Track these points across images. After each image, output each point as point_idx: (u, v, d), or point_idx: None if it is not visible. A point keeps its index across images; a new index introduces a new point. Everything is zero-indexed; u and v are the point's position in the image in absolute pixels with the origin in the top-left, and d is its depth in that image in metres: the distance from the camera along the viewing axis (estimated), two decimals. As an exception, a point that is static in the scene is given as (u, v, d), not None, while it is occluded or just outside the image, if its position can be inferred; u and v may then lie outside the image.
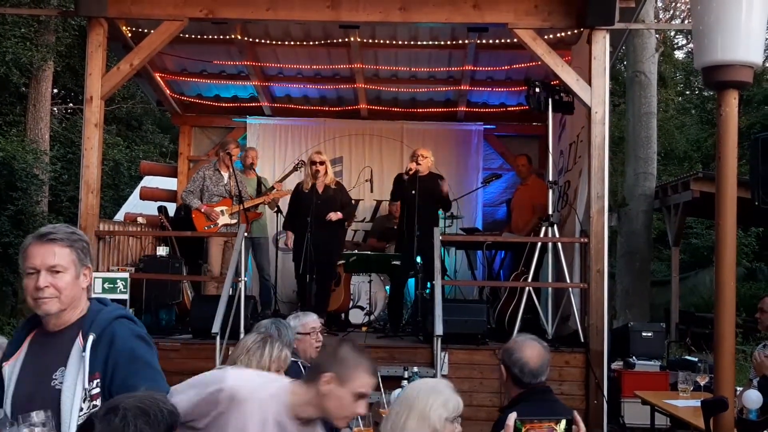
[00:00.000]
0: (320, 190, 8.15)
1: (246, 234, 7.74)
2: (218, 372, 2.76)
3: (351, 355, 2.68)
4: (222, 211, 8.52)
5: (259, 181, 9.31)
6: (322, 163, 8.18)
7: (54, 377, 2.56)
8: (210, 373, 2.77)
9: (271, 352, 3.66)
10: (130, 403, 1.93)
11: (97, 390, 2.53)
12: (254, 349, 3.66)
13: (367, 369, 2.69)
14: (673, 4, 22.81)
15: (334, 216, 8.10)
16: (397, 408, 2.85)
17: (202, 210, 8.44)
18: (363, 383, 2.66)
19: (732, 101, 3.56)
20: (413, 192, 8.07)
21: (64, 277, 2.60)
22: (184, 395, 2.64)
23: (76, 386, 2.52)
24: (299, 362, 4.58)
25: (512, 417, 2.43)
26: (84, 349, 2.56)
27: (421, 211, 8.02)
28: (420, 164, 8.23)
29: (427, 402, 2.80)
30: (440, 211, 8.70)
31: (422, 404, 2.80)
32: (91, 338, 2.57)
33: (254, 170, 9.39)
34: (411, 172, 8.18)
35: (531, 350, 3.55)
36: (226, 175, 8.64)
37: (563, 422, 2.34)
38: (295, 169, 9.42)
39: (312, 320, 5.00)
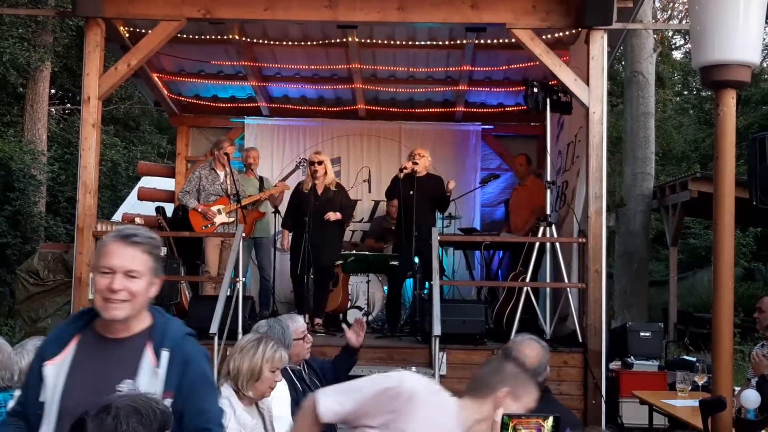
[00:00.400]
0: (319, 191, 8.13)
1: (245, 235, 7.74)
2: (394, 373, 2.68)
3: (521, 371, 2.68)
4: (219, 210, 8.52)
5: (261, 181, 9.34)
6: (320, 163, 8.14)
7: (119, 390, 2.42)
8: (381, 375, 2.68)
9: (264, 351, 3.66)
10: (123, 402, 1.92)
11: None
12: (248, 348, 3.66)
13: (535, 384, 2.70)
14: (671, 4, 22.84)
15: (333, 216, 8.07)
16: None
17: (199, 210, 8.43)
18: (533, 398, 2.66)
19: (730, 101, 3.56)
20: (411, 192, 8.06)
21: (139, 283, 2.49)
22: (346, 396, 2.59)
23: None
24: (287, 367, 4.54)
25: (499, 412, 2.43)
26: (158, 366, 2.46)
27: (419, 211, 8.00)
28: (417, 163, 8.20)
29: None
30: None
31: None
32: (165, 355, 2.47)
33: (254, 170, 9.40)
34: (406, 171, 8.16)
35: (529, 350, 3.56)
36: (222, 174, 8.64)
37: (550, 419, 2.34)
38: (296, 168, 9.43)
39: (302, 324, 4.98)
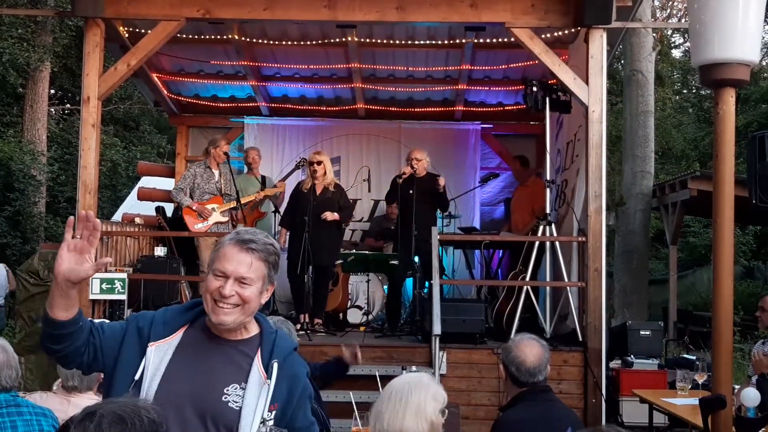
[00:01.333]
0: (318, 191, 8.11)
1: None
2: None
3: None
4: (213, 208, 8.53)
5: (263, 181, 9.35)
6: (319, 163, 8.11)
7: (226, 392, 2.40)
8: None
9: None
10: (108, 409, 1.89)
11: (272, 422, 2.40)
12: None
13: None
14: (670, 2, 22.81)
15: (330, 216, 8.04)
16: (388, 406, 2.84)
17: (194, 208, 8.45)
18: None
19: (729, 99, 3.56)
20: (411, 192, 8.07)
21: (251, 290, 2.43)
22: None
23: (255, 412, 2.37)
24: None
25: None
26: (269, 377, 2.43)
27: (419, 211, 8.02)
28: (415, 167, 8.24)
29: (419, 397, 2.80)
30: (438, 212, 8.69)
31: (416, 399, 2.80)
32: (275, 366, 2.44)
33: (255, 169, 9.42)
34: (405, 176, 8.19)
35: (528, 349, 3.55)
36: (216, 173, 8.66)
37: None
38: (297, 167, 9.43)
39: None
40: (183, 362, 2.44)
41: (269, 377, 2.43)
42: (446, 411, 2.88)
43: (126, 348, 2.45)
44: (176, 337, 2.48)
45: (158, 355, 2.43)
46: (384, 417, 2.82)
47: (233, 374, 2.44)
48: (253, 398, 2.40)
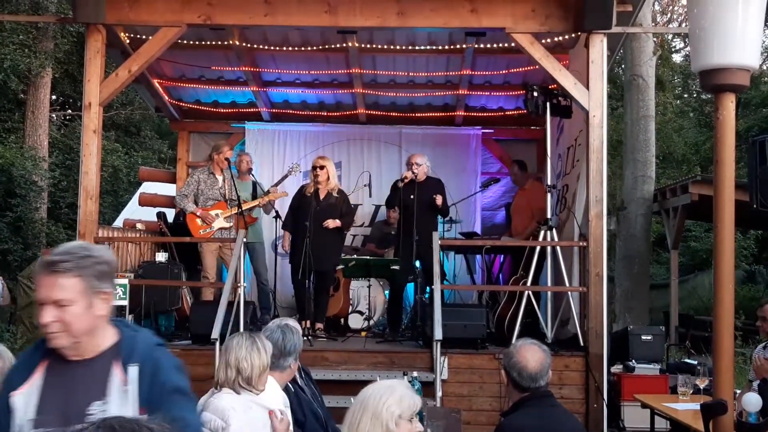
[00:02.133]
0: (321, 196, 8.12)
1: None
2: None
3: None
4: (217, 214, 8.54)
5: (255, 186, 9.32)
6: (321, 167, 8.11)
7: (89, 412, 2.34)
8: None
9: (259, 352, 3.69)
10: (107, 423, 1.83)
11: None
12: (257, 346, 3.70)
13: None
14: (671, 7, 22.85)
15: (332, 223, 8.07)
16: (352, 408, 2.81)
17: (198, 213, 8.46)
18: None
19: (729, 104, 3.57)
20: (411, 197, 8.08)
21: (72, 310, 2.36)
22: None
23: None
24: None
25: None
26: (126, 383, 2.39)
27: (420, 216, 8.03)
28: (416, 172, 8.25)
29: (379, 401, 2.73)
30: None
31: (375, 403, 2.74)
32: (133, 370, 2.40)
33: (251, 174, 9.40)
34: (406, 180, 8.19)
35: (530, 354, 3.56)
36: (220, 178, 8.67)
37: None
38: (289, 173, 9.44)
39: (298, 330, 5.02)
40: (49, 399, 2.41)
41: (128, 382, 2.39)
42: (416, 419, 2.82)
43: None
44: (36, 377, 2.44)
45: (23, 402, 2.40)
46: (346, 422, 2.79)
47: (95, 392, 2.39)
48: (116, 408, 2.35)
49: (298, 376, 4.83)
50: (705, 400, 4.57)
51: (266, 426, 3.68)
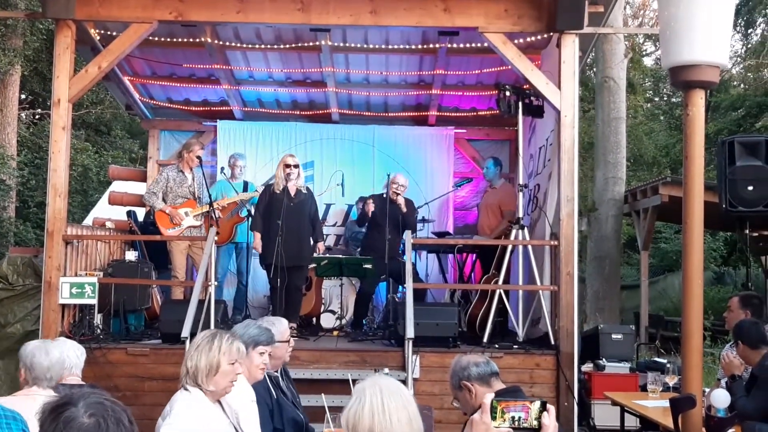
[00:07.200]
0: (292, 193, 8.08)
1: (217, 239, 7.70)
2: None
3: None
4: (186, 212, 8.50)
5: (246, 187, 9.39)
6: (296, 166, 8.10)
7: None
8: None
9: (221, 345, 3.64)
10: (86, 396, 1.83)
11: None
12: (203, 344, 3.64)
13: None
14: (642, 11, 23.04)
15: (322, 247, 8.30)
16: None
17: (167, 211, 8.43)
18: None
19: (699, 101, 3.60)
20: (385, 216, 8.32)
21: None
22: None
23: None
24: (265, 374, 4.50)
25: (489, 397, 2.39)
26: None
27: (393, 236, 8.32)
28: (399, 194, 8.55)
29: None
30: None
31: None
32: None
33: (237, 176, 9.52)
34: (395, 203, 8.50)
35: (467, 356, 3.64)
36: (189, 176, 8.64)
37: (537, 402, 2.31)
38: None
39: (286, 326, 4.98)
40: None
41: None
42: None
43: None
44: None
45: None
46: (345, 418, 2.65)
47: None
48: None
49: (281, 379, 4.79)
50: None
51: (221, 423, 3.63)
